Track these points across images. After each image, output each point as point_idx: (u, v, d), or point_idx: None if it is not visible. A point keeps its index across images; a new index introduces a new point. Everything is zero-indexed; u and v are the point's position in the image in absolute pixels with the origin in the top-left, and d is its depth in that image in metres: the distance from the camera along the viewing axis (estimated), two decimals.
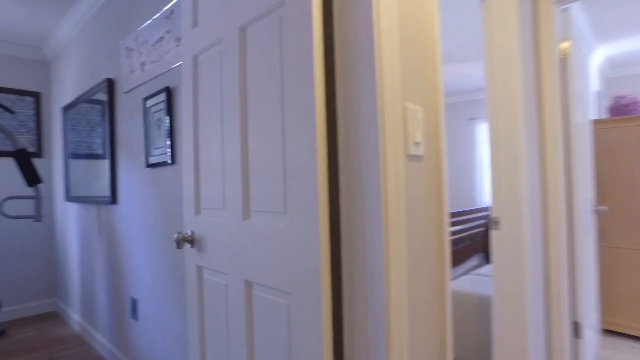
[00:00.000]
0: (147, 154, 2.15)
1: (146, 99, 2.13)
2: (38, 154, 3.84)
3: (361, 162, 0.99)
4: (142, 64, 2.16)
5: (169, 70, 1.94)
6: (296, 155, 1.05)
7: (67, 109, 3.34)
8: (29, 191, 3.69)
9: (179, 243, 1.52)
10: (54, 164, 3.83)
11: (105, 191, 2.67)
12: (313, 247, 1.00)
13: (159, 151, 2.04)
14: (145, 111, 2.15)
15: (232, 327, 1.34)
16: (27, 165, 2.73)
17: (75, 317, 3.32)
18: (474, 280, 2.52)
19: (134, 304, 2.36)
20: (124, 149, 2.46)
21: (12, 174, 3.65)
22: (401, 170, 0.99)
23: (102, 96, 2.65)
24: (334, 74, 1.08)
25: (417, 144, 1.06)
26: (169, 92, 1.93)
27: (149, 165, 2.13)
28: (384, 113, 0.96)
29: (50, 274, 3.84)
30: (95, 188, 2.85)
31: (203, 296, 1.53)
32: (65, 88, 3.47)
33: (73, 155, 3.24)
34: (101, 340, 2.80)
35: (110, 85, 2.56)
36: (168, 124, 1.94)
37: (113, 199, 2.57)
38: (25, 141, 3.77)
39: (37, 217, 2.81)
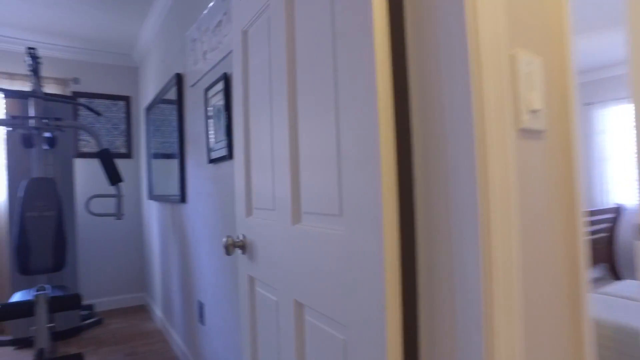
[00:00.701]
0: (209, 149, 2.01)
1: (207, 89, 1.98)
2: (128, 154, 4.02)
3: (447, 142, 0.66)
4: (204, 53, 2.02)
5: (227, 55, 1.76)
6: (351, 137, 0.76)
7: (148, 110, 3.41)
8: (112, 190, 3.88)
9: (228, 249, 1.31)
10: (140, 164, 3.98)
11: (176, 190, 2.62)
12: (375, 267, 0.70)
13: (219, 145, 1.88)
14: (207, 102, 2.00)
15: (284, 352, 1.08)
16: (110, 164, 2.80)
17: (158, 313, 3.39)
18: (606, 303, 1.96)
19: (200, 308, 2.25)
20: (191, 146, 2.37)
21: (98, 174, 3.87)
22: (510, 152, 0.64)
23: (173, 94, 2.60)
24: (402, 12, 0.75)
25: (534, 112, 0.69)
26: (226, 79, 1.75)
27: (211, 161, 1.98)
28: (481, 64, 0.62)
29: (139, 269, 4.00)
30: (169, 187, 2.83)
31: (255, 311, 1.30)
32: (147, 89, 3.56)
33: (155, 155, 3.30)
34: (177, 340, 2.77)
35: (179, 80, 2.49)
36: (225, 114, 1.76)
37: (182, 197, 2.50)
38: (119, 143, 3.97)
39: (118, 215, 2.88)
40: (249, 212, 1.34)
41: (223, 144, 1.82)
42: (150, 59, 3.44)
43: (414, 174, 0.73)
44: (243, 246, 1.35)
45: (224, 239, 1.32)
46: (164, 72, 2.96)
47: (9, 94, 3.20)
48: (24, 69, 3.49)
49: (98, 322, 3.39)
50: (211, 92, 1.94)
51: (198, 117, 2.21)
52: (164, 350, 2.83)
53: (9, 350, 2.94)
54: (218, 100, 1.86)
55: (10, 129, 3.06)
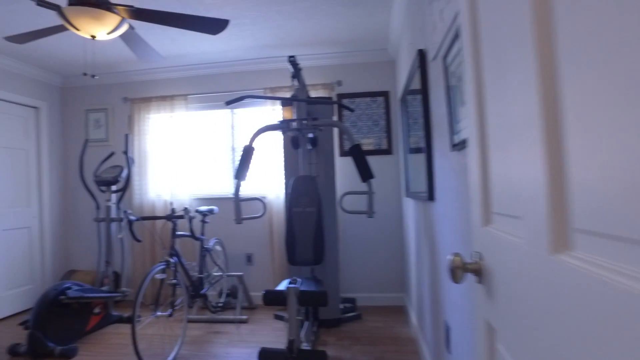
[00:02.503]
0: (451, 132, 1.57)
1: (445, 56, 1.55)
2: (388, 150, 3.97)
3: None
4: (441, 12, 1.59)
5: None
6: None
7: (402, 101, 3.22)
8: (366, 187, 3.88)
9: (455, 273, 0.86)
10: (400, 160, 3.86)
11: (424, 186, 2.28)
12: None
13: (461, 125, 1.42)
14: (446, 72, 1.57)
15: None
16: (360, 160, 2.74)
17: (413, 319, 3.15)
18: None
19: (447, 331, 1.82)
20: (436, 132, 1.97)
21: (353, 171, 3.96)
22: None
23: (418, 76, 2.27)
24: None
25: None
26: None
27: (454, 147, 1.54)
28: None
29: (399, 269, 3.89)
30: (419, 183, 2.52)
31: None
32: (401, 80, 3.38)
33: (411, 149, 3.08)
34: (426, 357, 2.43)
35: (421, 58, 2.14)
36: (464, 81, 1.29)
37: (430, 194, 2.14)
38: (380, 139, 3.98)
39: (369, 212, 2.78)
40: (486, 218, 0.85)
41: (465, 122, 1.35)
42: (402, 48, 3.24)
43: None
44: (478, 271, 0.87)
45: (449, 257, 0.88)
46: (410, 55, 2.68)
47: (282, 102, 3.65)
48: (311, 82, 3.95)
49: (357, 317, 3.46)
50: (450, 58, 1.49)
51: (439, 95, 1.80)
52: None
53: (286, 324, 3.34)
54: (457, 66, 1.40)
55: (282, 132, 3.48)
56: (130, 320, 2.91)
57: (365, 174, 2.73)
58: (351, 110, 2.93)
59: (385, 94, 3.98)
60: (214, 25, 2.43)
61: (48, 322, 2.79)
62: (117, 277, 3.38)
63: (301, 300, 2.18)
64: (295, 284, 2.25)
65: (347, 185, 3.97)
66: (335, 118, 3.88)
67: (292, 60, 2.80)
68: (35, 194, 4.13)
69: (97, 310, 3.15)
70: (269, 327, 3.29)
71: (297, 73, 2.88)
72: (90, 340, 3.08)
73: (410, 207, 3.25)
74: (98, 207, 3.43)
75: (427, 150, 2.17)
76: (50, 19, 2.97)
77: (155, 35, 3.36)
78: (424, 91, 2.16)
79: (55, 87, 4.41)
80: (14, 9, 2.83)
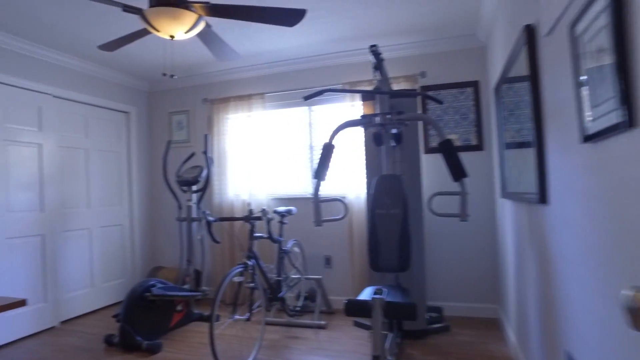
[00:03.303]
0: (581, 120, 1.25)
1: (573, 24, 1.23)
2: (479, 146, 3.59)
3: None
4: None
5: None
6: None
7: (496, 91, 2.85)
8: (456, 187, 3.51)
9: (636, 315, 0.60)
10: (493, 157, 3.46)
11: (531, 185, 1.93)
12: None
13: (602, 109, 1.10)
14: (573, 45, 1.25)
15: None
16: (452, 157, 2.45)
17: (511, 336, 2.77)
18: None
19: None
20: (552, 123, 1.64)
21: (445, 170, 3.63)
22: None
23: (523, 59, 1.92)
24: None
25: None
26: None
27: (586, 138, 1.22)
28: None
29: (493, 278, 3.49)
30: (524, 182, 2.17)
31: None
32: (496, 67, 3.00)
33: (508, 145, 2.71)
34: None
35: (529, 34, 1.81)
36: (616, 48, 0.98)
37: (541, 196, 1.80)
38: (469, 134, 3.62)
39: (462, 216, 2.47)
40: None
41: (611, 104, 1.04)
42: (496, 30, 2.86)
43: None
44: None
45: (629, 293, 0.61)
46: (510, 35, 2.32)
47: (363, 96, 3.44)
48: (393, 74, 3.71)
49: (445, 329, 3.15)
50: (580, 26, 1.18)
51: (559, 77, 1.47)
52: None
53: (367, 333, 3.14)
54: (595, 34, 1.09)
55: (364, 128, 3.27)
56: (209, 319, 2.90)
57: (458, 172, 2.43)
58: (439, 102, 2.64)
59: (474, 84, 3.60)
60: (290, 16, 2.30)
61: (136, 317, 2.88)
62: (198, 275, 3.43)
63: (387, 313, 1.96)
64: (380, 294, 2.03)
65: (434, 185, 3.65)
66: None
67: (374, 50, 2.58)
68: (126, 194, 4.38)
69: (179, 307, 3.20)
70: (349, 334, 3.11)
71: (379, 64, 2.66)
72: (173, 337, 3.14)
73: (507, 209, 2.86)
74: (180, 207, 3.50)
75: (538, 144, 1.83)
76: (128, 24, 3.07)
77: (231, 34, 3.34)
78: (533, 74, 1.82)
79: (142, 91, 4.65)
80: (104, 20, 2.96)
